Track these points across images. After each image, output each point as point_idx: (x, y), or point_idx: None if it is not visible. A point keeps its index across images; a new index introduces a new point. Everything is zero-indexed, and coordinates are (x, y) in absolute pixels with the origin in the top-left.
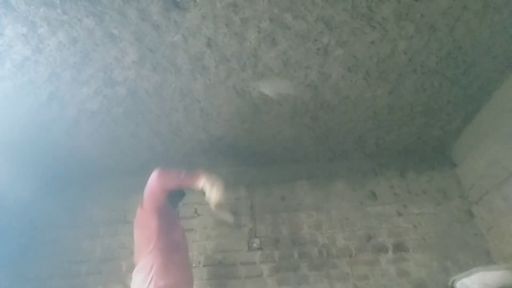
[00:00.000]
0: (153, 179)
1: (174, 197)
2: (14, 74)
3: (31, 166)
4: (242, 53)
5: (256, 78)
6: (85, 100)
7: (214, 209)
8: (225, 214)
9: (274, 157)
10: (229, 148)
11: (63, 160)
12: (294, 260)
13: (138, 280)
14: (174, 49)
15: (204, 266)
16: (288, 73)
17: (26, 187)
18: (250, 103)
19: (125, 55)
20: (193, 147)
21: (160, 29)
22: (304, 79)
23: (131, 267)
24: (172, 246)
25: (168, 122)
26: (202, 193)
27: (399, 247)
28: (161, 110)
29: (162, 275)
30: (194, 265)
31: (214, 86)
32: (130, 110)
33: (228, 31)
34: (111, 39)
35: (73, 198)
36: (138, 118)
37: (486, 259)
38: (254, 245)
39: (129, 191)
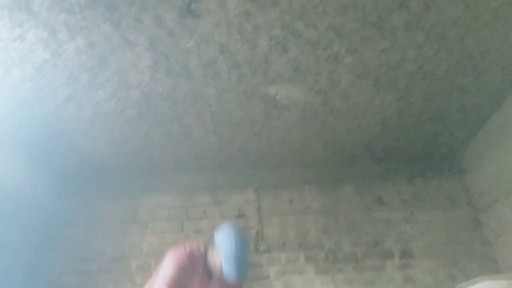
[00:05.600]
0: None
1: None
2: (34, 77)
3: (47, 165)
4: (254, 59)
5: (266, 84)
6: (100, 102)
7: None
8: None
9: (283, 160)
10: (238, 151)
11: (78, 160)
12: (301, 263)
13: None
14: (188, 55)
15: None
16: (298, 79)
17: (41, 185)
18: (260, 108)
19: (140, 59)
20: (203, 149)
21: (174, 35)
22: (314, 85)
23: (141, 266)
24: None
25: (179, 125)
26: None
27: (405, 254)
28: (174, 113)
29: None
30: None
31: (226, 91)
32: (143, 112)
33: (241, 38)
34: (127, 44)
35: (86, 197)
36: (151, 121)
37: (493, 267)
38: (261, 247)
39: (140, 191)
